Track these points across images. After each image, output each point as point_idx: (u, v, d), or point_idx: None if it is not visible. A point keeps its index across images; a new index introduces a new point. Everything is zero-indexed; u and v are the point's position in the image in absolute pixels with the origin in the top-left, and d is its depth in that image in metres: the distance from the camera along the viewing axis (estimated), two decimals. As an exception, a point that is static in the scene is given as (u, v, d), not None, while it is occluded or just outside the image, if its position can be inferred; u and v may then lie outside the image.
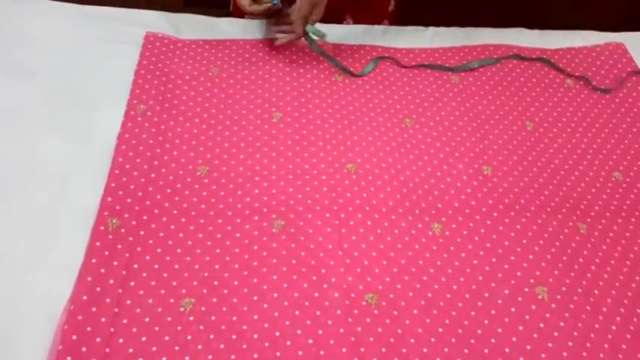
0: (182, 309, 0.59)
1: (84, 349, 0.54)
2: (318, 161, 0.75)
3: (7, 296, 0.58)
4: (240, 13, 0.95)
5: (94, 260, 0.61)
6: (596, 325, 0.61)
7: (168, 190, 0.69)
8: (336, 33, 0.95)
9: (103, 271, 0.60)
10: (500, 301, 0.63)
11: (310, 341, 0.58)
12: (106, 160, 0.70)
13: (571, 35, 1.00)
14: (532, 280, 0.65)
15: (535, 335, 0.60)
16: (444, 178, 0.75)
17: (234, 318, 0.59)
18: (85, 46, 0.85)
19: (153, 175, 0.70)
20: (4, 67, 0.80)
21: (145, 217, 0.66)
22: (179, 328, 0.57)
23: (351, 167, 0.75)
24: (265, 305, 0.60)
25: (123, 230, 0.64)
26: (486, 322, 0.61)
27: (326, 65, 0.88)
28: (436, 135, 0.81)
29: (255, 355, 0.56)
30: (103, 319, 0.57)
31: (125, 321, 0.57)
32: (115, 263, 0.61)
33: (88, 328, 0.56)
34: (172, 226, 0.66)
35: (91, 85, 0.79)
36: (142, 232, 0.64)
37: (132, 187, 0.68)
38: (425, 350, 0.58)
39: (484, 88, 0.89)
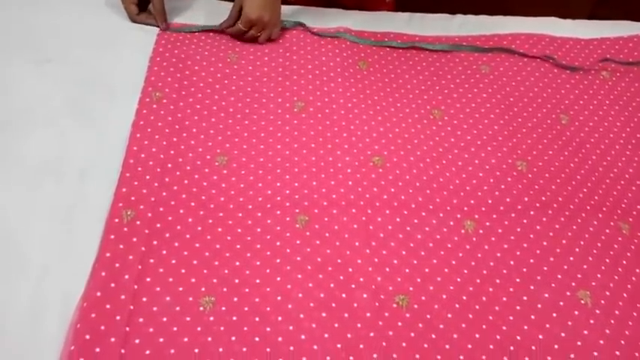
0: (202, 308, 0.55)
1: (98, 349, 0.51)
2: (343, 153, 0.71)
3: (23, 295, 0.54)
4: None
5: (108, 254, 0.57)
6: (645, 333, 0.58)
7: (186, 181, 0.65)
8: (358, 19, 0.91)
9: (117, 265, 0.57)
10: (540, 306, 0.59)
11: (339, 346, 0.54)
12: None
13: (605, 25, 0.96)
14: (574, 284, 0.61)
15: (579, 343, 0.56)
16: (476, 173, 0.71)
17: (257, 319, 0.55)
18: (101, 33, 0.81)
19: (169, 165, 0.66)
20: (23, 53, 0.76)
21: (161, 209, 0.62)
22: (199, 328, 0.54)
23: (377, 160, 0.71)
24: (290, 306, 0.56)
25: (138, 222, 0.60)
26: (526, 327, 0.57)
27: (350, 53, 0.84)
28: (466, 127, 0.77)
29: (280, 360, 0.53)
30: (118, 318, 0.53)
31: (141, 320, 0.53)
32: (131, 257, 0.57)
33: (102, 327, 0.52)
34: (190, 219, 0.62)
35: (109, 72, 0.76)
36: (158, 225, 0.61)
37: (147, 177, 0.64)
38: (461, 358, 0.55)
39: (516, 79, 0.84)
